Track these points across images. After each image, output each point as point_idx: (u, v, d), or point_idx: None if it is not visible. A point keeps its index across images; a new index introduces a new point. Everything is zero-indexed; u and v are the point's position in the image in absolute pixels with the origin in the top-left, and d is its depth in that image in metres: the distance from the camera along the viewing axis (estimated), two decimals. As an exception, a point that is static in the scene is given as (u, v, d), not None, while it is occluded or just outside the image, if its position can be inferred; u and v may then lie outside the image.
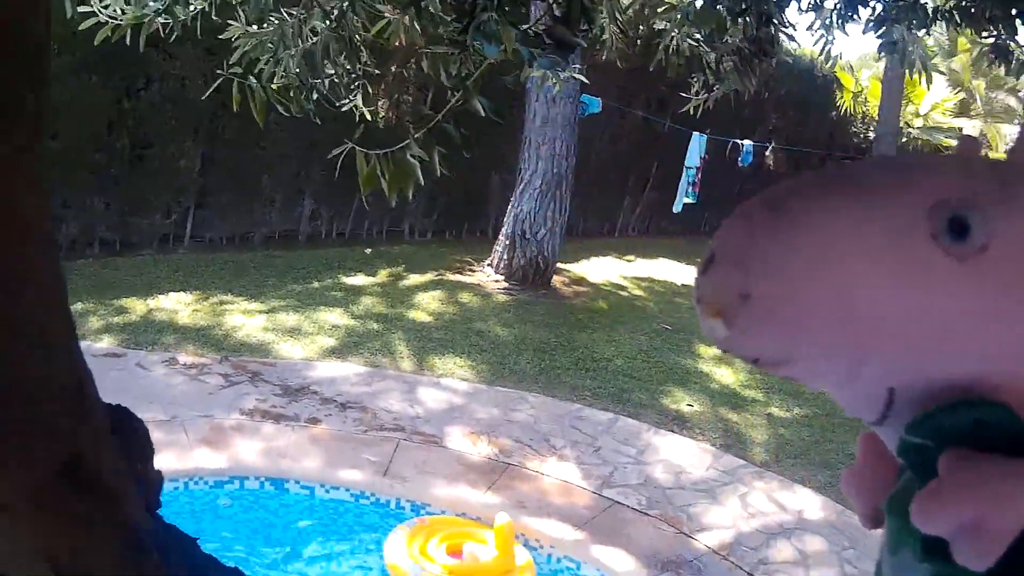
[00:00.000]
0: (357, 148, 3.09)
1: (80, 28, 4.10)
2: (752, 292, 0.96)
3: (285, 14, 4.31)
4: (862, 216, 0.97)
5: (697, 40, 4.98)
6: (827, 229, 0.96)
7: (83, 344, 6.49)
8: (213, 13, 4.24)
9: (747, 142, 16.76)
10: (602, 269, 13.93)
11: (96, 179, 10.93)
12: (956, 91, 24.73)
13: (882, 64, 20.37)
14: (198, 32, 4.22)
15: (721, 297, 0.98)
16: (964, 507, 0.91)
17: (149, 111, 11.15)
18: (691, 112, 6.04)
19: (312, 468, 6.20)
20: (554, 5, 3.01)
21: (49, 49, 1.30)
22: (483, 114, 3.07)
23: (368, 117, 4.82)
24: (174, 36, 4.25)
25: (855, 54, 23.94)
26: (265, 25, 4.43)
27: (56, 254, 1.38)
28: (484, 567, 5.15)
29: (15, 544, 1.33)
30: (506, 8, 2.94)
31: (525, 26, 2.88)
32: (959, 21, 5.53)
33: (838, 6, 5.57)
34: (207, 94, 4.09)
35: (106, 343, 8.05)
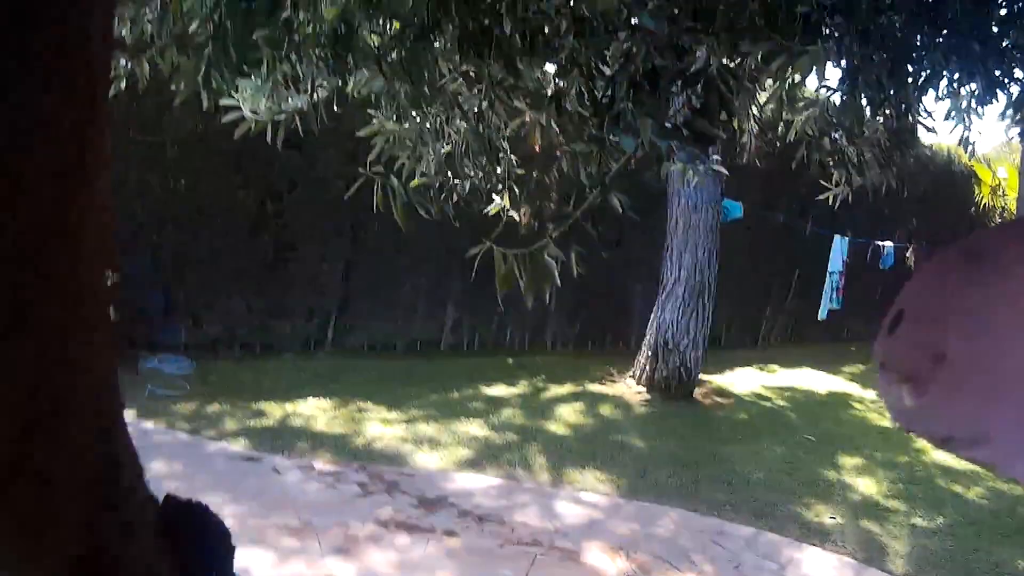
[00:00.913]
0: (495, 247, 2.99)
1: (223, 121, 4.11)
2: (949, 352, 0.83)
3: (425, 111, 4.27)
4: None
5: (838, 135, 4.83)
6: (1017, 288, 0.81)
7: (219, 445, 6.53)
8: (335, 104, 4.21)
9: (888, 243, 16.39)
10: (744, 379, 13.65)
11: (238, 281, 11.13)
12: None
13: (1017, 156, 19.86)
14: (320, 118, 4.20)
15: (911, 360, 0.85)
16: None
17: (292, 214, 11.35)
18: (832, 213, 5.89)
19: (446, 582, 6.05)
20: (693, 97, 2.89)
21: (108, 73, 1.22)
22: (621, 211, 2.96)
23: (517, 220, 4.76)
24: (314, 134, 4.24)
25: (990, 146, 23.42)
26: (405, 124, 4.39)
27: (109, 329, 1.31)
28: None
29: None
30: (643, 101, 2.84)
31: (663, 119, 2.77)
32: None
33: (976, 91, 5.36)
34: (349, 193, 4.05)
35: (242, 446, 8.06)
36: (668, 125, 2.75)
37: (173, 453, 7.56)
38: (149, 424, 8.10)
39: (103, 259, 1.25)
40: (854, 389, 13.84)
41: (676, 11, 2.98)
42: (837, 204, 5.70)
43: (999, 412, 0.81)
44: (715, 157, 6.37)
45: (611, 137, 2.81)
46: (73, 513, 1.21)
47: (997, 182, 22.09)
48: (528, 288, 2.90)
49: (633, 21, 2.93)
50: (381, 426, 9.11)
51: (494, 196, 4.70)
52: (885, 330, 0.88)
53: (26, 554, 1.16)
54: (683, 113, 2.80)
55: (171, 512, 1.49)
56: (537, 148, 4.52)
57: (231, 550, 1.58)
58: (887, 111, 4.47)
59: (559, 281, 2.94)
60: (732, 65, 3.05)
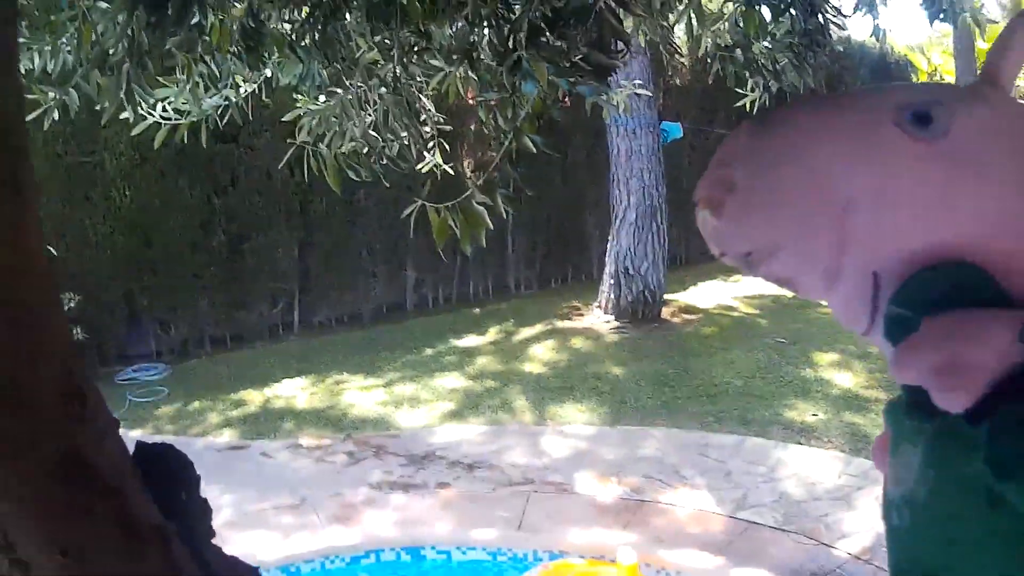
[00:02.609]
0: (427, 204, 3.11)
1: (136, 132, 4.21)
2: (737, 182, 1.10)
3: (346, 85, 4.37)
4: (833, 114, 1.13)
5: (747, 44, 4.95)
6: (801, 125, 1.12)
7: (205, 441, 6.64)
8: (264, 95, 4.33)
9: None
10: (710, 293, 13.78)
11: (198, 279, 11.23)
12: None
13: (949, 41, 20.09)
14: (248, 116, 4.32)
15: (711, 191, 1.13)
16: (939, 350, 0.97)
17: (239, 205, 11.45)
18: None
19: (446, 532, 6.20)
20: (588, 32, 3.02)
21: (23, 119, 1.44)
22: (535, 150, 3.09)
23: (452, 173, 4.88)
24: (249, 124, 4.36)
25: (924, 35, 23.68)
26: (326, 100, 4.50)
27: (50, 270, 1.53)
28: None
29: (25, 530, 1.43)
30: (542, 44, 2.96)
31: (563, 60, 2.89)
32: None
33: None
34: (280, 166, 4.19)
35: (227, 437, 8.17)
36: (564, 64, 2.87)
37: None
38: (136, 432, 8.15)
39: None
40: (821, 286, 13.96)
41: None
42: (755, 108, 5.83)
43: (779, 224, 1.08)
44: (637, 81, 6.47)
45: (516, 83, 2.94)
46: (49, 422, 1.43)
47: (933, 68, 22.34)
48: (464, 237, 3.02)
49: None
50: (360, 394, 9.24)
51: (424, 153, 4.81)
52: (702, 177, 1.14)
53: (16, 455, 1.38)
54: (580, 50, 2.92)
55: (141, 454, 1.72)
56: (470, 100, 4.63)
57: (197, 479, 1.85)
58: (793, 13, 4.58)
59: (491, 225, 3.06)
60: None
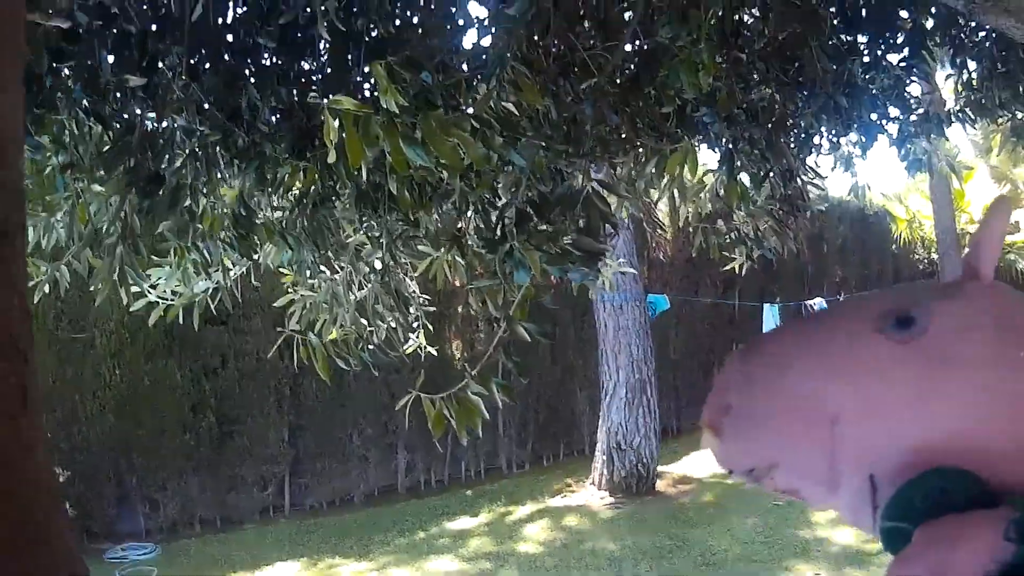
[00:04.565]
0: (422, 395, 3.11)
1: (132, 310, 4.25)
2: (732, 406, 1.13)
3: (338, 269, 4.43)
4: (815, 333, 1.18)
5: (728, 213, 5.04)
6: (785, 348, 1.17)
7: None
8: (253, 278, 4.39)
9: (818, 300, 16.63)
10: (703, 462, 13.62)
11: (188, 460, 11.13)
12: (1002, 184, 24.51)
13: (926, 185, 20.49)
14: (238, 294, 4.38)
15: (711, 415, 1.14)
16: (927, 560, 0.98)
17: (229, 388, 11.42)
18: (759, 282, 6.10)
19: None
20: (578, 219, 3.07)
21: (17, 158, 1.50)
22: (529, 339, 3.12)
23: (440, 358, 4.89)
24: (239, 308, 4.41)
25: (900, 185, 24.18)
26: (317, 287, 4.54)
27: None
28: None
29: None
30: (531, 231, 3.00)
31: (553, 246, 2.94)
32: (972, 116, 5.83)
33: (858, 141, 5.69)
34: (270, 354, 4.23)
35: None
36: (555, 252, 2.91)
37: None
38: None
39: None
40: (812, 450, 13.91)
41: (548, 138, 3.15)
42: (743, 271, 5.91)
43: (775, 443, 1.12)
44: (621, 260, 6.55)
45: (507, 271, 2.97)
46: None
47: (911, 215, 22.72)
48: (460, 427, 3.02)
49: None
50: (354, 579, 9.08)
51: (409, 336, 4.84)
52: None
53: None
54: (569, 236, 2.96)
55: None
56: (457, 284, 4.68)
57: None
58: (772, 181, 4.67)
59: (487, 415, 3.06)
60: (609, 180, 3.23)
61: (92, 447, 10.40)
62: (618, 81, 3.58)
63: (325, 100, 2.45)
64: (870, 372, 1.08)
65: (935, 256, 21.58)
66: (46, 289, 4.04)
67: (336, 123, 2.38)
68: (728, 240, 5.38)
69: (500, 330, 3.13)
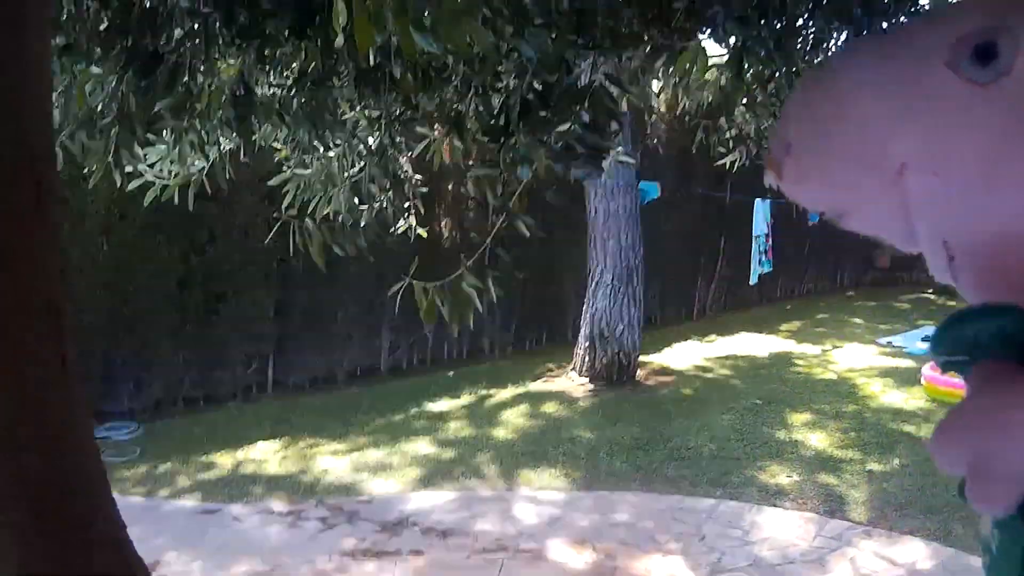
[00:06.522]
0: (415, 282, 3.07)
1: (128, 190, 4.19)
2: (791, 142, 1.01)
3: (332, 147, 4.36)
4: (879, 62, 0.97)
5: (730, 110, 4.97)
6: (848, 76, 0.98)
7: (175, 504, 6.55)
8: (242, 154, 4.33)
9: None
10: (685, 355, 13.77)
11: (173, 337, 11.11)
12: None
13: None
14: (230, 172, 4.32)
15: (773, 151, 1.04)
16: (970, 444, 0.90)
17: (217, 264, 11.38)
18: (751, 178, 6.04)
19: (420, 601, 6.11)
20: (583, 112, 3.00)
21: (50, 123, 1.50)
22: (528, 234, 3.07)
23: (423, 236, 4.84)
24: (229, 184, 4.34)
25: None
26: (312, 165, 4.47)
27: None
28: None
29: None
30: (535, 123, 2.93)
31: (556, 141, 2.88)
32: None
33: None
34: (267, 239, 4.17)
35: (198, 500, 8.05)
36: (559, 147, 2.84)
37: (130, 518, 7.48)
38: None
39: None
40: (794, 347, 14.04)
41: (557, 28, 3.08)
42: (734, 168, 5.85)
43: (835, 185, 1.00)
44: (620, 148, 6.47)
45: (504, 161, 2.91)
46: None
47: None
48: (452, 318, 2.98)
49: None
50: (333, 459, 9.13)
51: (399, 216, 4.79)
52: None
53: None
54: (574, 131, 2.89)
55: None
56: (448, 161, 4.61)
57: None
58: (779, 81, 4.60)
59: (480, 306, 3.02)
60: (616, 74, 3.16)
61: (80, 326, 10.31)
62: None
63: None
64: (939, 119, 0.92)
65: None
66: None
67: (343, 5, 2.31)
68: (728, 138, 5.32)
69: (498, 220, 3.07)
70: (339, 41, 2.41)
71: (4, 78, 2.00)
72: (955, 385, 9.61)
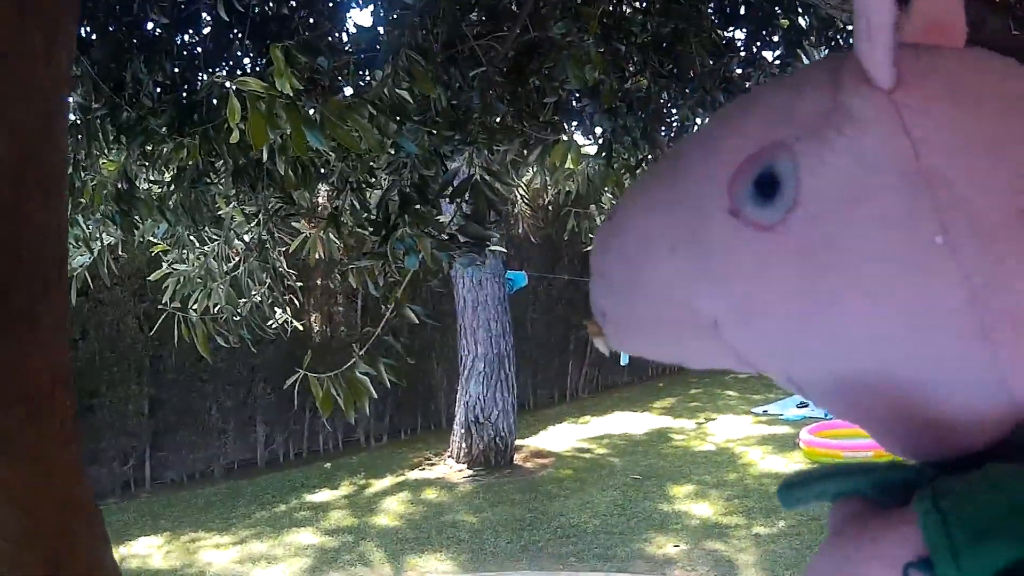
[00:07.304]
0: (309, 375, 3.14)
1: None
2: (605, 311, 0.95)
3: (208, 242, 4.42)
4: (668, 209, 0.87)
5: (598, 198, 5.12)
6: (640, 234, 0.90)
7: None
8: (120, 249, 4.37)
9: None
10: (561, 437, 13.85)
11: (46, 437, 10.81)
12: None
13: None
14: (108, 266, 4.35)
15: (595, 317, 0.97)
16: None
17: (89, 361, 11.17)
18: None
19: None
20: (463, 205, 3.13)
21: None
22: (418, 321, 3.18)
23: (300, 329, 4.90)
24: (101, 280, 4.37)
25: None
26: (191, 260, 4.53)
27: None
28: None
29: None
30: (417, 213, 3.05)
31: (439, 231, 3.00)
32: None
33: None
34: (152, 331, 4.21)
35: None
36: (444, 237, 2.97)
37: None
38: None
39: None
40: (670, 422, 14.16)
41: (436, 124, 3.21)
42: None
43: (656, 347, 0.96)
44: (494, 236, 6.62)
45: (392, 252, 3.02)
46: None
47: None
48: (347, 406, 3.06)
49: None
50: (217, 552, 9.02)
51: (275, 309, 4.85)
52: None
53: None
54: (455, 222, 3.02)
55: None
56: (323, 255, 4.70)
57: None
58: (647, 169, 4.78)
59: (375, 393, 3.11)
60: (492, 167, 3.30)
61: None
62: (505, 71, 3.64)
63: (229, 83, 2.48)
64: (735, 274, 0.81)
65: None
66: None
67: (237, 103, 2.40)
68: (598, 224, 5.48)
69: (388, 312, 3.17)
70: (235, 136, 2.50)
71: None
72: (835, 447, 9.91)
